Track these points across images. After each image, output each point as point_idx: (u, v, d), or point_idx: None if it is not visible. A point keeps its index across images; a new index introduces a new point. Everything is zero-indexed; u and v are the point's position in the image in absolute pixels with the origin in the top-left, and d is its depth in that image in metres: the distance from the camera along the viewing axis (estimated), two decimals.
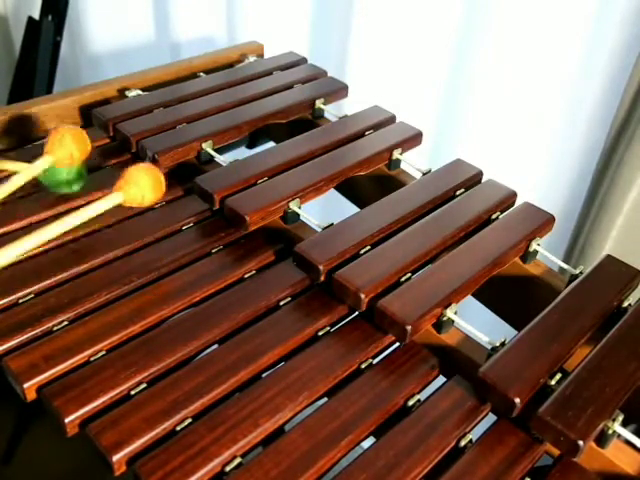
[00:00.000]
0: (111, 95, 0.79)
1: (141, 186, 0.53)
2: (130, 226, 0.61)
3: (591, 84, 0.94)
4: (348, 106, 0.92)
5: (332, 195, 0.72)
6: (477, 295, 0.63)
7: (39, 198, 0.62)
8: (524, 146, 1.02)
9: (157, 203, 0.57)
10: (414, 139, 0.75)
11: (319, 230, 0.61)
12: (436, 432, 0.46)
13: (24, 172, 0.55)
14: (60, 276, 0.55)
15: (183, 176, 0.69)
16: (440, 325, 0.53)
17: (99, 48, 1.46)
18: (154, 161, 0.67)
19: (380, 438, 0.45)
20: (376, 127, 0.76)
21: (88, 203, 0.56)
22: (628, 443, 0.46)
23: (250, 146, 0.91)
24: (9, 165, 0.62)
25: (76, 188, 0.63)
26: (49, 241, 0.53)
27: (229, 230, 0.62)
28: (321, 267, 0.55)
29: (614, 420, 0.45)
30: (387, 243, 0.58)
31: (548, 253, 0.62)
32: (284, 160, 0.68)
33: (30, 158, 0.62)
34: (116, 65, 1.44)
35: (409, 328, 0.50)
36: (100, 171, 0.69)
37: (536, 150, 1.02)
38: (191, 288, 0.56)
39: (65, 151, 0.57)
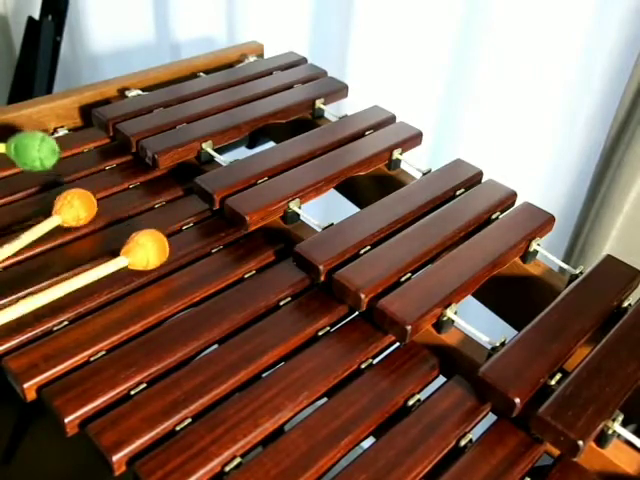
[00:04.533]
0: (111, 95, 0.80)
1: (147, 250, 0.55)
2: (130, 226, 0.61)
3: (591, 84, 0.94)
4: (348, 106, 0.92)
5: (332, 195, 0.72)
6: (477, 295, 0.63)
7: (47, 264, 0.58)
8: (524, 146, 1.02)
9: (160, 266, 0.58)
10: (414, 139, 0.75)
11: (319, 230, 0.61)
12: (436, 432, 0.46)
13: (31, 232, 0.56)
14: (60, 276, 0.55)
15: (183, 176, 0.69)
16: (440, 325, 0.53)
17: (99, 48, 1.46)
18: (154, 161, 0.67)
19: (380, 438, 0.45)
20: (376, 127, 0.76)
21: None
22: (628, 443, 0.46)
23: (250, 146, 0.91)
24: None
25: (48, 165, 0.62)
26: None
27: (229, 230, 0.62)
28: (321, 267, 0.55)
29: (614, 420, 0.45)
30: (387, 243, 0.58)
31: (548, 253, 0.62)
32: (284, 160, 0.68)
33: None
34: (116, 65, 1.44)
35: (409, 328, 0.50)
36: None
37: (536, 150, 1.02)
38: (191, 288, 0.56)
39: (72, 212, 0.59)
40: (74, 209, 0.59)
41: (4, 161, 0.67)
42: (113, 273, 0.55)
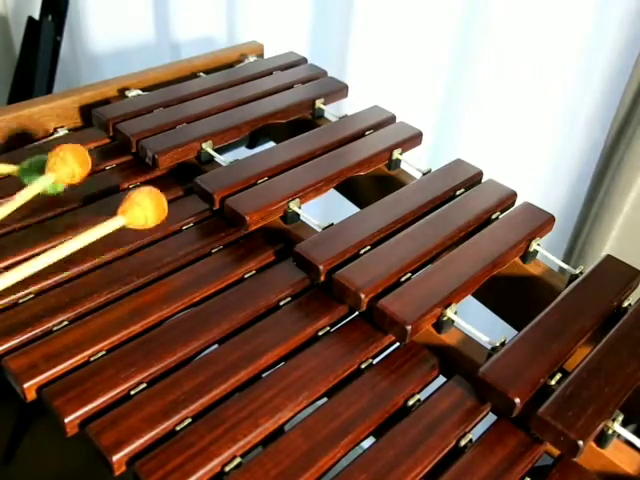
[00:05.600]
0: (111, 95, 0.79)
1: (144, 208, 0.54)
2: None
3: (591, 84, 0.94)
4: (348, 106, 0.92)
5: (332, 195, 0.72)
6: (477, 295, 0.63)
7: (43, 225, 0.60)
8: (524, 146, 1.02)
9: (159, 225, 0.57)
10: (414, 139, 0.75)
11: (319, 230, 0.61)
12: (436, 432, 0.46)
13: (26, 191, 0.56)
14: (60, 276, 0.55)
15: (183, 176, 0.69)
16: (440, 325, 0.53)
17: (99, 48, 1.46)
18: (154, 161, 0.67)
19: (380, 438, 0.45)
20: (376, 127, 0.76)
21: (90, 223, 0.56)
22: (628, 443, 0.46)
23: (250, 146, 0.91)
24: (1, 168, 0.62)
25: (60, 188, 0.62)
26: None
27: (229, 230, 0.62)
28: (321, 267, 0.55)
29: (614, 420, 0.45)
30: (387, 243, 0.58)
31: (548, 253, 0.62)
32: (284, 160, 0.68)
33: (29, 158, 0.62)
34: (116, 65, 1.44)
35: (409, 328, 0.50)
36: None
37: (536, 150, 1.02)
38: (191, 288, 0.56)
39: (67, 169, 0.58)
40: (68, 165, 0.57)
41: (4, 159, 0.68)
42: (113, 273, 0.55)
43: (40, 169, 0.61)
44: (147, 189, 0.54)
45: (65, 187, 0.62)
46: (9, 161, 0.64)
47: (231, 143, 0.74)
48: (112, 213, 0.62)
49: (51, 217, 0.62)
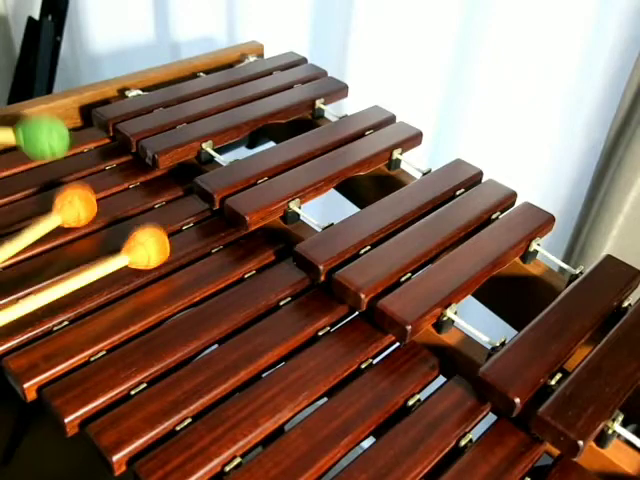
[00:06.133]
0: (111, 95, 0.79)
1: (147, 247, 0.55)
2: (130, 226, 0.61)
3: (591, 84, 0.94)
4: (348, 106, 0.92)
5: (332, 195, 0.72)
6: (477, 295, 0.63)
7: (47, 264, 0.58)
8: (524, 146, 1.02)
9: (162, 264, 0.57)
10: (414, 139, 0.75)
11: (319, 230, 0.61)
12: (436, 432, 0.46)
13: (32, 231, 0.56)
14: (60, 276, 0.55)
15: (183, 176, 0.69)
16: (440, 325, 0.53)
17: (99, 48, 1.46)
18: (154, 161, 0.67)
19: (380, 438, 0.45)
20: (376, 127, 0.76)
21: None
22: (628, 443, 0.46)
23: (250, 146, 0.91)
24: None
25: (59, 151, 0.62)
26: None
27: (229, 230, 0.62)
28: (321, 267, 0.55)
29: (614, 420, 0.45)
30: (387, 243, 0.58)
31: (548, 253, 0.62)
32: (284, 160, 0.68)
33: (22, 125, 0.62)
34: (116, 65, 1.44)
35: (409, 328, 0.50)
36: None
37: (536, 150, 1.02)
38: (191, 288, 0.56)
39: (73, 212, 0.58)
40: (75, 209, 0.59)
41: (4, 160, 0.68)
42: (113, 272, 0.55)
43: (34, 136, 0.61)
44: (151, 229, 0.55)
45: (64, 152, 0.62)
46: (10, 161, 0.64)
47: (231, 143, 0.74)
48: (113, 215, 0.62)
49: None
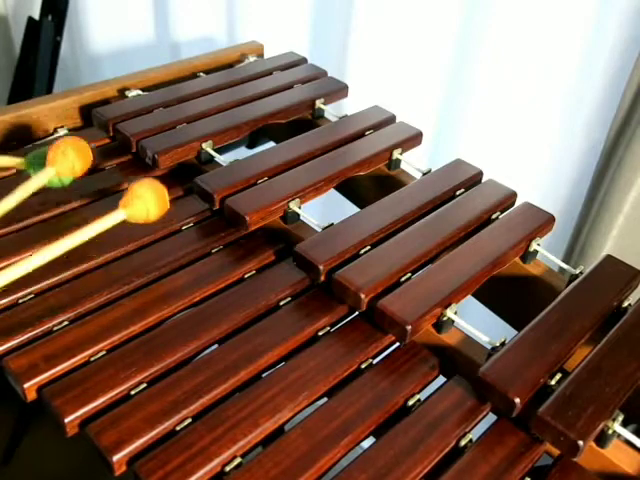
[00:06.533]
0: (111, 95, 0.79)
1: (146, 200, 0.53)
2: (130, 226, 0.61)
3: (591, 84, 0.94)
4: (348, 106, 0.92)
5: (332, 195, 0.72)
6: (477, 295, 0.63)
7: (44, 224, 0.60)
8: (524, 146, 1.02)
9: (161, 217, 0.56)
10: (414, 139, 0.75)
11: (319, 230, 0.61)
12: (436, 432, 0.46)
13: (27, 185, 0.55)
14: (60, 276, 0.55)
15: (183, 176, 0.69)
16: (440, 325, 0.53)
17: (99, 48, 1.46)
18: (154, 161, 0.67)
19: (380, 438, 0.45)
20: (376, 127, 0.76)
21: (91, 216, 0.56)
22: (628, 443, 0.46)
23: (250, 146, 0.91)
24: (4, 161, 0.62)
25: (67, 181, 0.62)
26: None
27: (229, 230, 0.62)
28: (321, 267, 0.55)
29: (614, 420, 0.45)
30: (387, 243, 0.58)
31: (548, 253, 0.62)
32: (284, 160, 0.68)
33: (32, 152, 0.62)
34: (116, 65, 1.44)
35: (409, 328, 0.50)
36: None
37: (536, 150, 1.02)
38: (191, 288, 0.56)
39: (67, 163, 0.57)
40: (69, 160, 0.57)
41: None
42: (113, 273, 0.55)
43: (43, 161, 0.61)
44: (148, 181, 0.54)
45: (72, 180, 0.62)
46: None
47: (231, 143, 0.74)
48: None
49: (52, 217, 0.62)
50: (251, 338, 0.51)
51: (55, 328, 0.51)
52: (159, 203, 0.54)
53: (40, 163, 0.61)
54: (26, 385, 0.46)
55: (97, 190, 0.65)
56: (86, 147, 0.58)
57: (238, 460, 0.43)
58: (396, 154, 0.73)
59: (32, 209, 0.61)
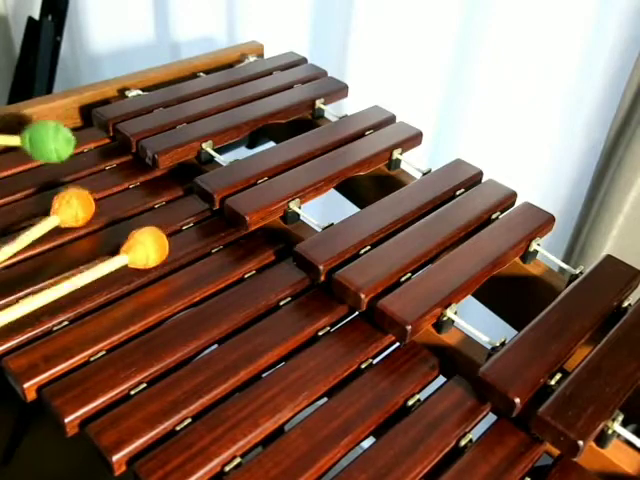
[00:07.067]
0: (111, 95, 0.79)
1: (147, 247, 0.55)
2: (130, 226, 0.61)
3: (591, 84, 0.94)
4: (348, 106, 0.92)
5: (332, 195, 0.72)
6: (477, 295, 0.63)
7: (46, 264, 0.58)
8: (524, 146, 1.02)
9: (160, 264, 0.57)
10: (414, 139, 0.75)
11: (319, 230, 0.61)
12: (436, 432, 0.46)
13: (30, 233, 0.56)
14: (60, 276, 0.55)
15: (183, 176, 0.69)
16: (440, 325, 0.53)
17: (99, 48, 1.46)
18: (154, 161, 0.67)
19: (380, 438, 0.45)
20: (376, 127, 0.76)
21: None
22: (628, 443, 0.46)
23: (250, 146, 0.91)
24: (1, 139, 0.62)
25: (64, 155, 0.62)
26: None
27: (229, 230, 0.62)
28: (321, 267, 0.55)
29: (614, 420, 0.45)
30: (387, 243, 0.58)
31: (548, 253, 0.62)
32: (284, 160, 0.68)
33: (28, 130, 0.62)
34: (116, 65, 1.44)
35: (409, 328, 0.50)
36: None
37: (536, 150, 1.02)
38: (191, 288, 0.56)
39: (71, 211, 0.59)
40: (72, 209, 0.59)
41: (4, 160, 0.68)
42: (113, 272, 0.55)
43: (40, 140, 0.61)
44: (150, 229, 0.56)
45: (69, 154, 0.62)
46: (10, 160, 0.64)
47: (231, 143, 0.74)
48: (113, 217, 0.62)
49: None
50: (251, 338, 0.51)
51: (55, 328, 0.51)
52: (159, 250, 0.56)
53: (38, 141, 0.61)
54: (26, 385, 0.46)
55: (98, 190, 0.65)
56: (89, 198, 0.61)
57: (238, 460, 0.43)
58: (396, 154, 0.73)
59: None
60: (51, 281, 0.54)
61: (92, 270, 0.53)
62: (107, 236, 0.60)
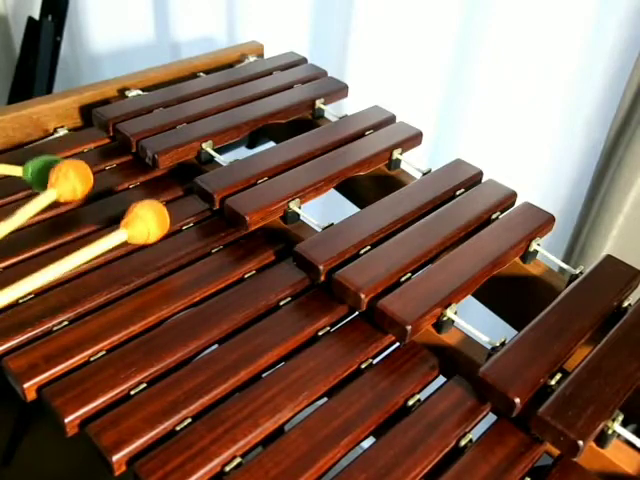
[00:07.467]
0: (111, 95, 0.79)
1: (147, 221, 0.54)
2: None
3: (591, 84, 0.94)
4: (348, 106, 0.92)
5: (332, 195, 0.72)
6: (477, 295, 0.63)
7: (44, 231, 0.60)
8: (524, 146, 1.02)
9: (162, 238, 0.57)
10: (414, 139, 0.75)
11: (319, 230, 0.61)
12: (436, 432, 0.46)
13: (27, 208, 0.55)
14: (60, 276, 0.55)
15: (183, 176, 0.69)
16: (440, 325, 0.53)
17: (99, 48, 1.46)
18: (154, 161, 0.67)
19: (380, 438, 0.45)
20: (376, 127, 0.76)
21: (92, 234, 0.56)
22: (628, 443, 0.46)
23: (250, 146, 0.91)
24: (3, 169, 0.62)
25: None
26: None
27: (229, 230, 0.62)
28: (321, 267, 0.55)
29: (614, 420, 0.45)
30: (387, 243, 0.58)
31: (548, 253, 0.62)
32: (284, 160, 0.68)
33: (29, 158, 0.62)
34: (116, 65, 1.44)
35: (409, 328, 0.50)
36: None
37: (536, 150, 1.02)
38: (191, 288, 0.56)
39: (68, 185, 0.58)
40: (70, 182, 0.57)
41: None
42: (113, 273, 0.55)
43: (42, 170, 0.61)
44: (149, 202, 0.55)
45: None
46: (10, 161, 0.64)
47: (231, 143, 0.74)
48: (113, 215, 0.62)
49: (53, 217, 0.62)
50: (251, 338, 0.51)
51: (55, 328, 0.51)
52: (160, 224, 0.55)
53: (39, 172, 0.61)
54: (26, 385, 0.46)
55: (98, 190, 0.65)
56: (87, 170, 0.59)
57: (238, 460, 0.43)
58: (396, 154, 0.73)
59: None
60: (50, 245, 0.54)
61: (91, 246, 0.52)
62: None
